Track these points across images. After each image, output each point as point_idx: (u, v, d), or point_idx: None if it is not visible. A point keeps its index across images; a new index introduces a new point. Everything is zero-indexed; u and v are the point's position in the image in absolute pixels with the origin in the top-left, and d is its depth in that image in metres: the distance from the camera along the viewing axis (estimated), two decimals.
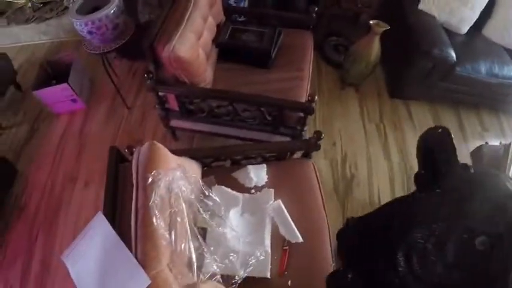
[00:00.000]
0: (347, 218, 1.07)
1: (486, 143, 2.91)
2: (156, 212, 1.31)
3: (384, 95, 3.44)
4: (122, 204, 1.57)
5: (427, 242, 0.67)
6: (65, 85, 2.79)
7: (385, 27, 2.70)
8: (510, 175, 2.57)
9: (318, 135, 1.97)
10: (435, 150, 0.77)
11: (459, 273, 0.63)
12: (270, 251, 1.68)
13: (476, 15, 3.22)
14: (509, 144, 2.73)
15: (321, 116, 3.14)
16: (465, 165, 0.78)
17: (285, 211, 1.82)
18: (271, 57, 2.44)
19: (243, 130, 2.40)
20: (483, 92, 3.29)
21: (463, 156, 3.09)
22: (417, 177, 0.84)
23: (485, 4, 3.20)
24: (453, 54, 2.93)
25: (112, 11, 2.39)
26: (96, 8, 2.42)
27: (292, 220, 1.78)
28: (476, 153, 2.85)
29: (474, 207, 0.67)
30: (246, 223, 1.79)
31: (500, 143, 2.86)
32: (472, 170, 0.77)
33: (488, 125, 3.53)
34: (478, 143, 2.99)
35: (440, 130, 0.75)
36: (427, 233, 0.67)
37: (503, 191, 0.70)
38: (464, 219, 0.66)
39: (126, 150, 1.77)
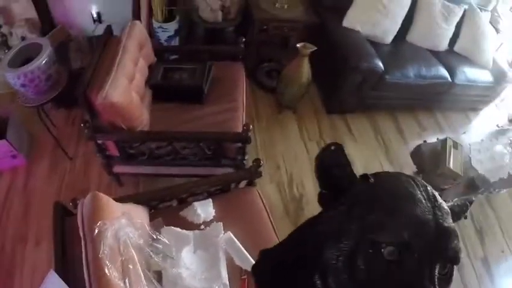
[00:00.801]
0: (260, 250, 1.04)
1: (424, 141, 3.03)
2: (107, 263, 1.31)
3: (321, 113, 3.54)
4: (74, 258, 1.54)
5: (338, 262, 0.67)
6: (3, 142, 2.71)
7: (311, 48, 2.79)
8: (451, 167, 2.70)
9: (257, 162, 2.03)
10: (331, 167, 0.75)
11: None
12: (228, 283, 1.70)
13: (398, 25, 3.39)
14: (445, 138, 2.87)
15: (262, 142, 3.19)
16: (364, 176, 0.76)
17: (236, 241, 1.84)
18: (205, 92, 2.48)
19: (186, 167, 2.42)
20: (415, 94, 3.47)
21: (404, 158, 3.22)
22: (320, 197, 0.84)
23: (405, 13, 3.37)
24: (381, 65, 3.07)
25: (44, 62, 2.36)
26: (28, 60, 2.38)
27: (245, 248, 1.81)
28: (416, 153, 2.94)
29: (377, 219, 0.67)
30: (200, 260, 1.80)
31: (438, 139, 2.98)
32: (371, 180, 0.75)
33: (425, 124, 3.71)
34: (417, 143, 3.11)
35: (332, 147, 0.75)
36: (337, 252, 0.67)
37: (405, 196, 0.69)
38: (369, 232, 0.65)
39: (71, 204, 1.75)
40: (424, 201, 0.68)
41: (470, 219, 3.23)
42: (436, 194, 0.73)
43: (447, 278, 0.69)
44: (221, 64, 2.73)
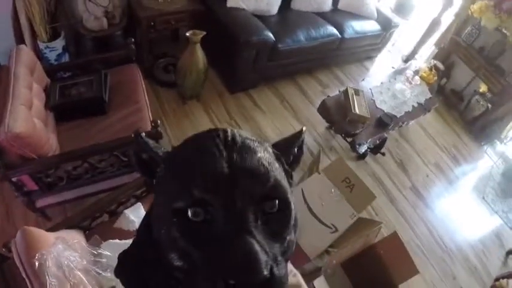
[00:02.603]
0: (119, 254, 0.93)
1: (328, 96, 3.22)
2: None
3: (225, 94, 3.61)
4: None
5: (166, 239, 0.65)
6: None
7: (201, 34, 2.82)
8: (357, 112, 2.90)
9: None
10: (141, 156, 0.73)
11: (199, 253, 0.61)
12: None
13: None
14: (346, 88, 3.09)
15: (175, 137, 3.21)
16: (168, 151, 0.74)
17: None
18: (106, 101, 2.46)
19: (108, 181, 2.39)
20: (310, 56, 3.63)
21: (314, 116, 3.41)
22: (147, 186, 0.78)
23: None
24: (271, 35, 3.17)
25: None
26: None
27: None
28: (322, 109, 3.08)
29: (170, 187, 0.65)
30: None
31: (339, 91, 3.20)
32: (170, 152, 0.74)
33: (326, 81, 3.92)
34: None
35: (135, 138, 0.76)
36: (163, 231, 0.66)
37: (194, 154, 0.67)
38: (169, 203, 0.63)
39: (4, 250, 1.71)
40: (216, 149, 0.64)
41: (389, 155, 3.46)
42: (239, 135, 0.68)
43: (281, 213, 0.66)
44: (116, 70, 2.71)
